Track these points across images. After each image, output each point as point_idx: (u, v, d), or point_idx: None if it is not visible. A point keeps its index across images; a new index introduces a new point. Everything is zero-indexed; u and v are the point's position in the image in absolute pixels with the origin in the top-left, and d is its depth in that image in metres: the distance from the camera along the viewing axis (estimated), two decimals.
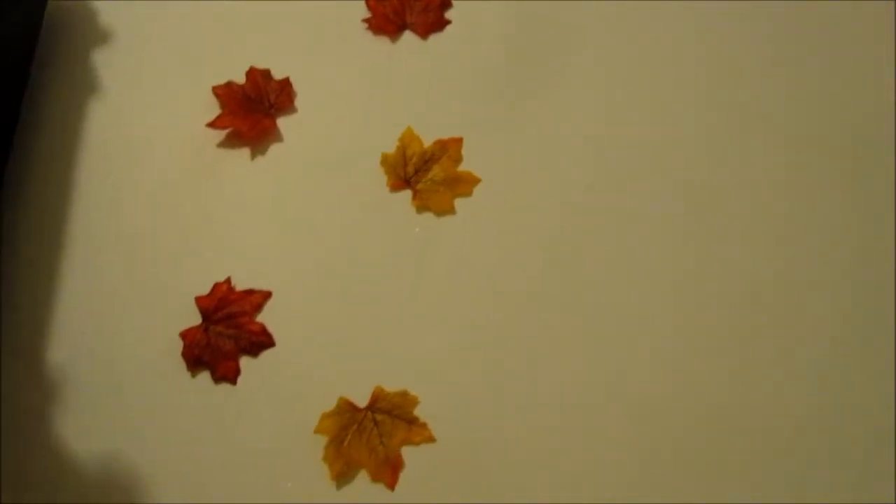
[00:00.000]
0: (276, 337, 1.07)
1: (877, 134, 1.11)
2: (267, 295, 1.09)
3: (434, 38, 1.24)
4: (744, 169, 1.11)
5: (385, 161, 1.15)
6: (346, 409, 1.01)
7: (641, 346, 1.03)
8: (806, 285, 1.04)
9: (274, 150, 1.17)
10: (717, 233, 1.08)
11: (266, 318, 1.08)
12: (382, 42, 1.24)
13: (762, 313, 1.04)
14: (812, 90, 1.14)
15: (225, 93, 1.20)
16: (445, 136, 1.15)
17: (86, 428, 1.05)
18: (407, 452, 1.00)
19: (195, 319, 1.08)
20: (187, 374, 1.06)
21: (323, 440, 1.00)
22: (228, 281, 1.09)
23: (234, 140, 1.18)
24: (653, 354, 1.03)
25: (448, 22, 1.25)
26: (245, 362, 1.06)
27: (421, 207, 1.12)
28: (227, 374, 1.05)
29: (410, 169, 1.14)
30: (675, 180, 1.12)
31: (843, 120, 1.12)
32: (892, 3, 1.15)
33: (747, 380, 1.00)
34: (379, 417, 1.01)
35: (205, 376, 1.06)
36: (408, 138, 1.15)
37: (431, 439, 1.00)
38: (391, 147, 1.15)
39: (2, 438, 1.05)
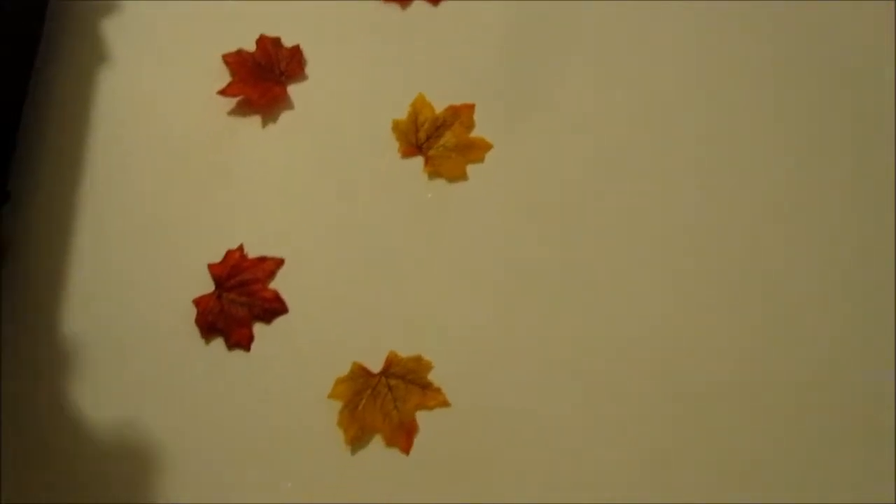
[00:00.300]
0: (289, 303, 1.06)
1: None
2: (279, 262, 1.08)
3: (445, 4, 1.23)
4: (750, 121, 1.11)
5: (396, 128, 1.14)
6: (359, 375, 1.01)
7: (655, 312, 1.03)
8: (808, 266, 1.04)
9: (285, 117, 1.17)
10: (726, 207, 1.07)
11: (279, 284, 1.07)
12: (393, 8, 1.23)
13: (769, 274, 1.03)
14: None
15: (235, 60, 1.19)
16: (457, 102, 1.15)
17: (100, 396, 1.05)
18: (421, 417, 1.00)
19: (208, 287, 1.08)
20: (201, 342, 1.06)
21: (337, 405, 1.00)
22: (241, 248, 1.09)
23: (244, 108, 1.17)
24: (666, 321, 1.02)
25: None
26: (258, 329, 1.06)
27: (433, 174, 1.11)
28: (240, 340, 1.05)
29: (422, 135, 1.13)
30: (685, 152, 1.11)
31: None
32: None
33: (756, 340, 1.01)
34: (393, 382, 1.01)
35: (218, 343, 1.06)
36: (419, 104, 1.15)
37: (446, 404, 1.00)
38: (402, 113, 1.15)
39: (18, 408, 1.05)
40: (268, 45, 1.20)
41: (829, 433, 0.96)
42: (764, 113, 1.12)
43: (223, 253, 1.09)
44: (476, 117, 1.14)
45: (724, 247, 1.05)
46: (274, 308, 1.06)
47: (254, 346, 1.05)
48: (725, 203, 1.08)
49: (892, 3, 1.13)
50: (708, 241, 1.06)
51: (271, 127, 1.16)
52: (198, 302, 1.07)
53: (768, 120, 1.12)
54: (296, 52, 1.20)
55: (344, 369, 1.02)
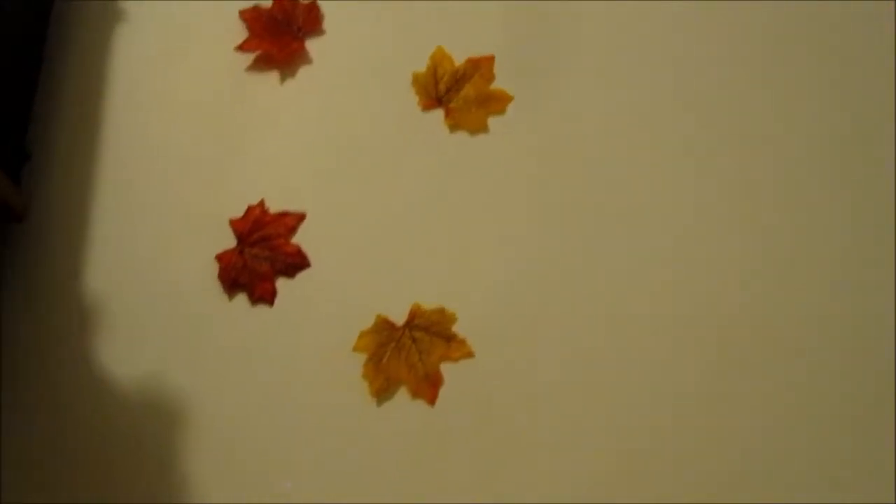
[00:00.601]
0: (311, 258, 1.06)
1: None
2: (301, 217, 1.08)
3: None
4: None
5: (416, 81, 1.13)
6: (383, 327, 1.01)
7: (680, 261, 1.02)
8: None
9: (303, 72, 1.16)
10: (750, 162, 1.06)
11: (301, 239, 1.07)
12: None
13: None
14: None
15: (252, 16, 1.18)
16: (477, 54, 1.13)
17: (124, 353, 1.05)
18: (446, 368, 1.00)
19: (230, 242, 1.08)
20: (224, 297, 1.06)
21: (362, 358, 1.00)
22: (262, 203, 1.09)
23: (262, 64, 1.16)
24: (690, 270, 1.01)
25: None
26: (281, 283, 1.06)
27: (454, 126, 1.10)
28: (263, 295, 1.05)
29: (442, 88, 1.12)
30: (707, 101, 1.09)
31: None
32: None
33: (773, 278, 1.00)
34: (417, 335, 1.01)
35: (242, 298, 1.06)
36: (438, 57, 1.13)
37: (470, 355, 1.00)
38: (422, 66, 1.13)
39: (42, 367, 1.06)
40: (284, 0, 1.19)
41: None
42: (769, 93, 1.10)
43: (244, 208, 1.09)
44: (496, 69, 1.13)
45: (749, 199, 1.04)
46: (296, 263, 1.06)
47: (277, 300, 1.05)
48: (750, 158, 1.06)
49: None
50: (734, 192, 1.04)
51: (290, 82, 1.15)
52: (220, 258, 1.07)
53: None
54: (313, 6, 1.18)
55: (368, 322, 1.02)
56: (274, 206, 1.09)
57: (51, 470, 1.02)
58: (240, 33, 1.18)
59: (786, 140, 1.06)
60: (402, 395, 0.99)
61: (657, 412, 0.96)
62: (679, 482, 0.93)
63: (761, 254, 1.01)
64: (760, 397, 0.95)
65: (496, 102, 1.11)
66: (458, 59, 1.13)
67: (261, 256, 1.06)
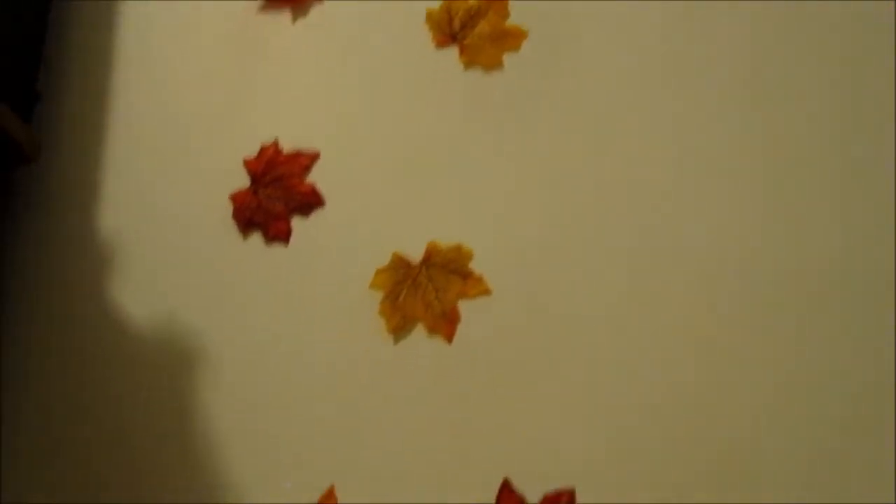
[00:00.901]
0: (326, 196, 1.05)
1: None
2: (315, 156, 1.07)
3: None
4: None
5: (430, 17, 1.11)
6: (399, 265, 1.01)
7: (687, 205, 1.00)
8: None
9: (315, 11, 1.14)
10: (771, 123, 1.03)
11: (315, 178, 1.06)
12: None
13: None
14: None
15: None
16: None
17: (140, 293, 1.06)
18: (463, 306, 0.99)
19: (244, 182, 1.07)
20: (239, 236, 1.06)
21: (378, 296, 1.00)
22: (275, 143, 1.08)
23: (274, 3, 1.15)
24: (697, 218, 0.99)
25: None
26: (296, 222, 1.05)
27: (468, 63, 1.09)
28: (278, 234, 1.04)
29: (456, 24, 1.10)
30: (728, 58, 1.05)
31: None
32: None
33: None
34: (433, 272, 1.00)
35: (257, 238, 1.05)
36: None
37: (487, 292, 0.99)
38: (435, 3, 1.12)
39: (55, 308, 1.06)
40: None
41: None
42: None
43: (258, 148, 1.08)
44: (510, 6, 1.11)
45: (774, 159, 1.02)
46: (311, 201, 1.05)
47: (292, 239, 1.05)
48: (771, 119, 1.04)
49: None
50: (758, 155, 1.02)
51: (301, 21, 1.14)
52: (234, 197, 1.06)
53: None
54: None
55: (384, 260, 1.01)
56: (287, 146, 1.08)
57: (64, 410, 1.02)
58: None
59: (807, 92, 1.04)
60: (419, 332, 0.99)
61: (676, 349, 0.95)
62: (692, 414, 0.93)
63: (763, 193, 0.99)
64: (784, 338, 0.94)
65: (511, 39, 1.09)
66: None
67: (275, 196, 1.06)
